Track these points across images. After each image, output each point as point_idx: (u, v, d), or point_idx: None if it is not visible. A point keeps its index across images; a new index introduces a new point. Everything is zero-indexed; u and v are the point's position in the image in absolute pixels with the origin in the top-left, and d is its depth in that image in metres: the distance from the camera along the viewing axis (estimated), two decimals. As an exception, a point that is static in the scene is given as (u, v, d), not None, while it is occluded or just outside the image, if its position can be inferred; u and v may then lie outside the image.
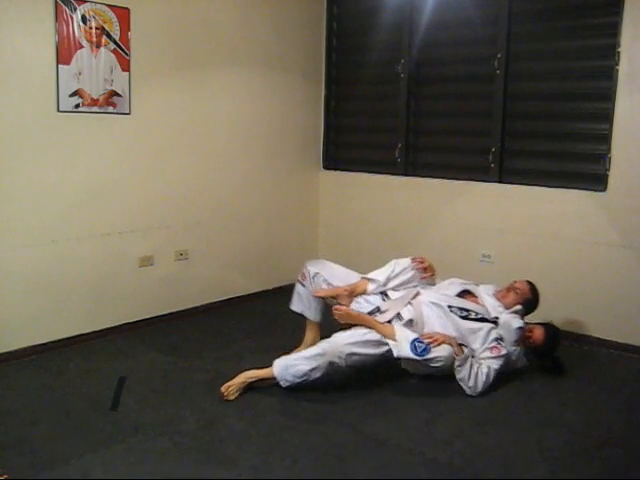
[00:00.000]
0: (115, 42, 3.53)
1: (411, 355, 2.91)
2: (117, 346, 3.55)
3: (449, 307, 3.14)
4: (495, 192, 4.08)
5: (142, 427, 2.61)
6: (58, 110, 3.34)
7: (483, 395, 2.99)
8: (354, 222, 4.81)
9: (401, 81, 4.47)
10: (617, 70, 3.54)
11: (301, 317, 3.42)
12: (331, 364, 2.89)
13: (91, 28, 3.42)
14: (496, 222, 4.07)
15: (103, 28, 3.46)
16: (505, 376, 3.11)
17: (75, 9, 3.34)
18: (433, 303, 3.16)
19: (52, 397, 2.90)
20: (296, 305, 3.42)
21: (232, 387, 2.90)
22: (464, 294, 3.33)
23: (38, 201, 3.33)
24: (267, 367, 2.96)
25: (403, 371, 3.11)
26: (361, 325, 3.03)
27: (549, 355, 3.34)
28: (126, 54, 3.59)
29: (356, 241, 4.80)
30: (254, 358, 3.28)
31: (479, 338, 3.08)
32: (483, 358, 3.06)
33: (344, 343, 2.92)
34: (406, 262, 3.36)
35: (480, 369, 3.01)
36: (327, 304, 3.36)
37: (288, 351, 3.14)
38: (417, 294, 3.23)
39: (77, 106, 3.42)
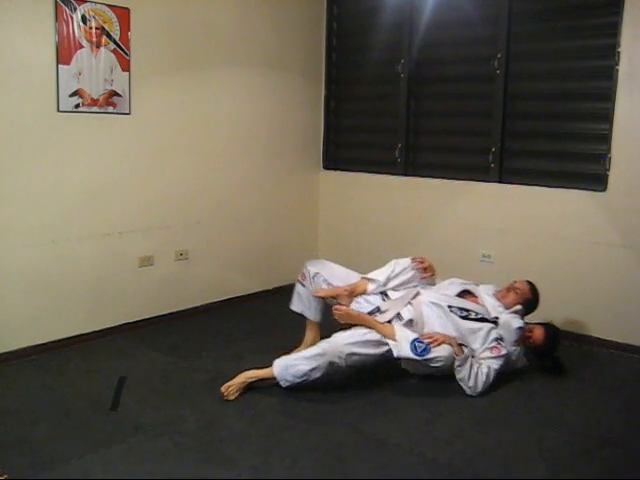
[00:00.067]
0: (115, 42, 3.53)
1: (411, 355, 2.91)
2: (117, 346, 3.55)
3: (449, 307, 3.14)
4: (495, 192, 4.08)
5: (142, 427, 2.61)
6: (58, 110, 3.35)
7: (483, 395, 2.99)
8: (354, 222, 4.81)
9: (401, 81, 4.47)
10: (617, 70, 3.54)
11: (301, 317, 3.42)
12: (331, 364, 2.89)
13: (91, 28, 3.42)
14: (496, 222, 4.07)
15: (103, 28, 3.46)
16: (505, 376, 3.11)
17: (75, 9, 3.34)
18: (433, 303, 3.16)
19: (52, 397, 2.90)
20: (296, 305, 3.42)
21: (232, 387, 2.90)
22: (464, 294, 3.33)
23: (38, 201, 3.33)
24: (267, 367, 2.96)
25: (403, 371, 3.11)
26: (361, 325, 3.04)
27: (549, 355, 3.34)
28: (126, 54, 3.59)
29: (356, 241, 4.80)
30: (254, 358, 3.28)
31: (479, 338, 3.08)
32: (483, 358, 3.06)
33: (344, 343, 2.92)
34: (406, 262, 3.36)
35: (480, 369, 3.01)
36: (327, 304, 3.36)
37: (288, 351, 3.14)
38: (417, 294, 3.23)
39: (77, 106, 3.42)
